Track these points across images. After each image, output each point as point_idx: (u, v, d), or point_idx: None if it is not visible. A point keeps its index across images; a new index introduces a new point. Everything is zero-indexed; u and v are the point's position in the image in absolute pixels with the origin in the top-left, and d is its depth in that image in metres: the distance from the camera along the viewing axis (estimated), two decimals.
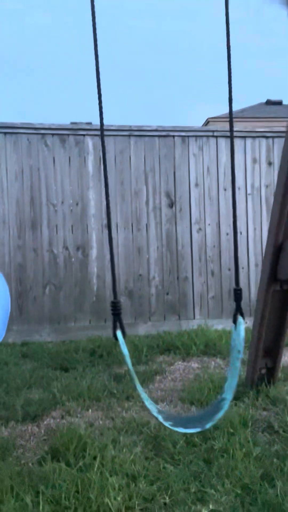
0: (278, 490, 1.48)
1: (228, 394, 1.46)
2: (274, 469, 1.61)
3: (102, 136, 1.34)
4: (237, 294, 1.43)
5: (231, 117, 1.35)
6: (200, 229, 4.21)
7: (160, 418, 1.33)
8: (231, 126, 1.40)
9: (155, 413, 1.33)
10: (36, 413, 2.26)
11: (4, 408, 2.35)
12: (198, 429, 1.40)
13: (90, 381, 2.68)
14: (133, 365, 3.05)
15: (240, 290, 1.43)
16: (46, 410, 2.29)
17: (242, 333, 1.30)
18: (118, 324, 1.29)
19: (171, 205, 4.16)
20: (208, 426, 1.43)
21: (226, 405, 1.45)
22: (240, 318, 1.34)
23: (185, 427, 1.37)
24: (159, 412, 1.38)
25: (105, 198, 1.33)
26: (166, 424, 1.34)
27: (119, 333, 1.28)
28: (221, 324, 4.09)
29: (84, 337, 3.85)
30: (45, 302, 3.96)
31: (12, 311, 3.93)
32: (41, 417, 2.22)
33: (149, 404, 1.34)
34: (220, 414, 1.45)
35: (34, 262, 3.97)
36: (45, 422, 2.16)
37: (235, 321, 1.39)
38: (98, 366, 3.05)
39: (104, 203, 4.21)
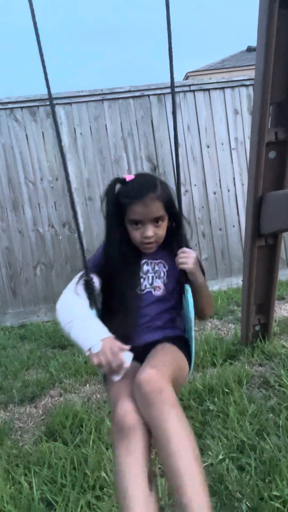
0: (272, 444, 1.47)
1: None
2: (270, 425, 1.60)
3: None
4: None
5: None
6: (186, 191, 4.09)
7: None
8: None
9: None
10: (34, 394, 2.26)
11: (2, 392, 2.35)
12: None
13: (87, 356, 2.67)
14: None
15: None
16: (45, 390, 2.29)
17: (190, 300, 1.20)
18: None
19: (154, 169, 4.02)
20: None
21: None
22: (186, 286, 1.23)
23: None
24: None
25: None
26: None
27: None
28: (216, 285, 4.06)
29: None
30: (37, 282, 3.92)
31: (6, 294, 3.90)
32: (39, 397, 2.22)
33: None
34: None
35: (21, 243, 3.89)
36: (42, 402, 2.16)
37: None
38: None
39: (85, 175, 4.11)
